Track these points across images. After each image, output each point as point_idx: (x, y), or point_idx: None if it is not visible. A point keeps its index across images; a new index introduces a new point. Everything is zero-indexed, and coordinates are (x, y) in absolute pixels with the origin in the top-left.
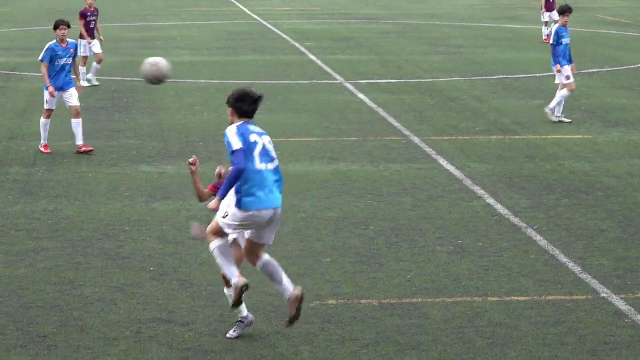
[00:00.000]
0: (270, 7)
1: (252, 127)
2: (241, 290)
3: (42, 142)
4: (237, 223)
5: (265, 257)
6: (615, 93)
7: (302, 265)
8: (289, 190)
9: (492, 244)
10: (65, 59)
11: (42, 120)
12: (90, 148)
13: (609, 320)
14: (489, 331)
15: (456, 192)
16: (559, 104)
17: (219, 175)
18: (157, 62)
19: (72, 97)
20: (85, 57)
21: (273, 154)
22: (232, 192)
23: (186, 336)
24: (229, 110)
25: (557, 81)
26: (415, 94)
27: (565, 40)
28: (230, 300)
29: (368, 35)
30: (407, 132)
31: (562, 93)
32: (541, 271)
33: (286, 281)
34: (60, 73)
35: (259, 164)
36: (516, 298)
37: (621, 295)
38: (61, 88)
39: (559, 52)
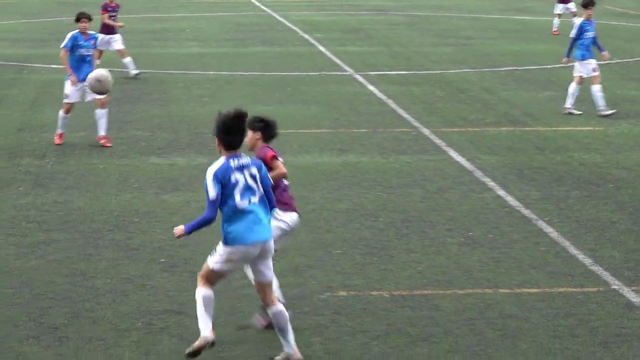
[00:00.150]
0: None
1: (234, 163)
2: (205, 345)
3: (59, 131)
4: (225, 259)
5: (278, 307)
6: (625, 85)
7: (312, 256)
8: (298, 182)
9: (503, 236)
10: (86, 49)
11: (61, 114)
12: (109, 144)
13: (620, 312)
14: (500, 323)
15: (466, 184)
16: (571, 96)
17: None
18: (99, 78)
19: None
20: (100, 52)
21: (256, 185)
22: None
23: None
24: (216, 140)
25: (575, 74)
26: (425, 86)
27: (589, 34)
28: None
29: (377, 26)
30: (417, 124)
31: (573, 86)
32: (552, 263)
33: (291, 338)
34: (81, 64)
35: (240, 202)
36: (527, 290)
37: (632, 287)
38: (84, 80)
39: (580, 45)
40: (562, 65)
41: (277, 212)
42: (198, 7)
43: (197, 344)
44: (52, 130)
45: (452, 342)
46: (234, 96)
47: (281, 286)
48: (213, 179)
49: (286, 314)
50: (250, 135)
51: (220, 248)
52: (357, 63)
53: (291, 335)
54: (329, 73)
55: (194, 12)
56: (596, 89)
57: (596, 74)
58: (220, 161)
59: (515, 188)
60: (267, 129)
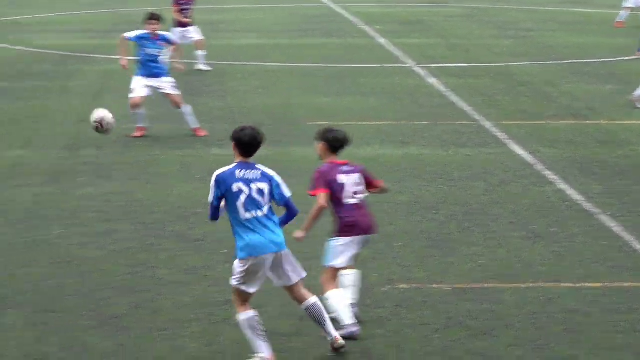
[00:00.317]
0: None
1: (240, 173)
2: None
3: (137, 125)
4: (241, 273)
5: (310, 301)
6: None
7: (373, 249)
8: None
9: (565, 230)
10: (153, 49)
11: (130, 111)
12: (202, 133)
13: None
14: (562, 317)
15: (528, 177)
16: None
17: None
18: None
19: (165, 86)
20: (176, 45)
21: (263, 199)
22: None
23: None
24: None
25: None
26: (485, 78)
27: None
28: None
29: (436, 18)
30: (477, 117)
31: None
32: (614, 258)
33: (330, 329)
34: (148, 62)
35: (244, 214)
36: (589, 285)
37: None
38: (152, 75)
39: None
40: (628, 58)
41: (335, 238)
42: None
43: None
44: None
45: (514, 336)
46: (292, 88)
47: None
48: (214, 182)
49: (319, 306)
50: (317, 146)
51: (235, 263)
52: (417, 55)
53: (329, 325)
54: (389, 65)
55: (253, 4)
56: None
57: None
58: (228, 167)
59: (576, 182)
60: (330, 141)
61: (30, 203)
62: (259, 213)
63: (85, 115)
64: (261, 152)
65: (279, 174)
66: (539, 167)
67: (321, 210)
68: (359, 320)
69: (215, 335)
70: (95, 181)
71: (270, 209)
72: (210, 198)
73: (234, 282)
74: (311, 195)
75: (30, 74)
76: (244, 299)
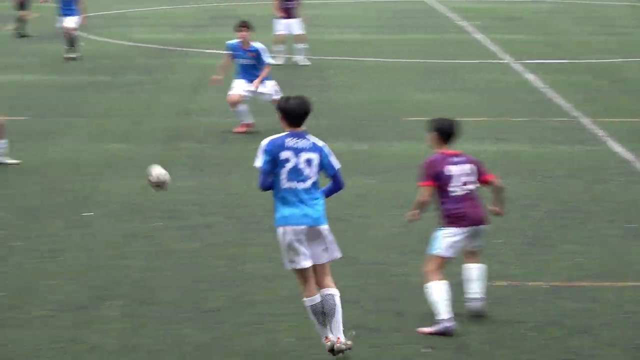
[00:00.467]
0: None
1: (291, 142)
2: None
3: (241, 121)
4: (283, 246)
5: (329, 291)
6: None
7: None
8: None
9: None
10: (244, 60)
11: (230, 109)
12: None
13: None
14: None
15: (626, 175)
16: None
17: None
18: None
19: (267, 91)
20: (281, 36)
21: (310, 170)
22: None
23: (354, 313)
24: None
25: None
26: (585, 75)
27: None
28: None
29: (534, 14)
30: (576, 113)
31: None
32: None
33: (335, 326)
34: (244, 72)
35: (286, 183)
36: None
37: None
38: (252, 81)
39: None
40: None
41: (442, 229)
42: None
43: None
44: (211, 115)
45: (612, 335)
46: (389, 83)
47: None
48: (265, 148)
49: (335, 300)
50: (428, 135)
51: (278, 236)
52: (515, 51)
53: (336, 323)
54: (487, 61)
55: None
56: None
57: None
58: (279, 135)
59: None
60: (441, 130)
61: (129, 196)
62: (300, 185)
63: (184, 108)
64: (362, 146)
65: (376, 169)
66: (638, 164)
67: (422, 204)
68: (482, 315)
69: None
70: (193, 174)
71: (314, 184)
72: (259, 163)
73: (285, 264)
74: (419, 186)
75: (130, 67)
76: (301, 277)
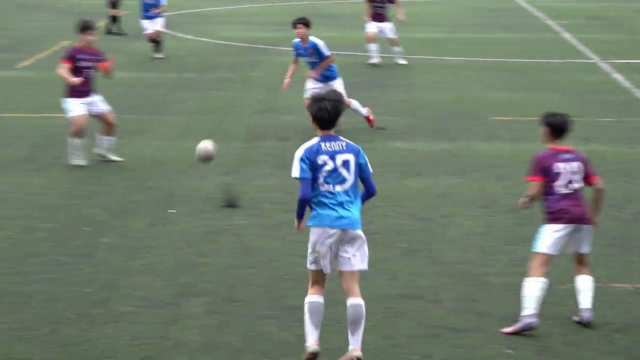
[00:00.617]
0: None
1: (326, 146)
2: (307, 357)
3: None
4: (311, 245)
5: (356, 300)
6: None
7: None
8: None
9: None
10: (306, 57)
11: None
12: (371, 124)
13: None
14: None
15: None
16: None
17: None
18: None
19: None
20: (371, 34)
21: (347, 172)
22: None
23: (436, 313)
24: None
25: None
26: None
27: None
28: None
29: (623, 14)
30: None
31: None
32: None
33: (356, 337)
34: (313, 67)
35: (324, 186)
36: None
37: None
38: (319, 80)
39: None
40: None
41: (546, 225)
42: None
43: (303, 355)
44: (294, 112)
45: None
46: (475, 82)
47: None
48: (299, 159)
49: (363, 310)
50: (540, 130)
51: (310, 235)
52: (602, 51)
53: (358, 334)
54: (573, 60)
55: None
56: None
57: None
58: (312, 141)
59: None
60: (553, 125)
61: (213, 193)
62: (338, 187)
63: (267, 106)
64: (445, 145)
65: (459, 169)
66: None
67: (532, 198)
68: (589, 326)
69: (391, 328)
70: (275, 172)
71: (353, 186)
72: (295, 173)
73: (307, 262)
74: (527, 181)
75: (215, 65)
76: (314, 279)
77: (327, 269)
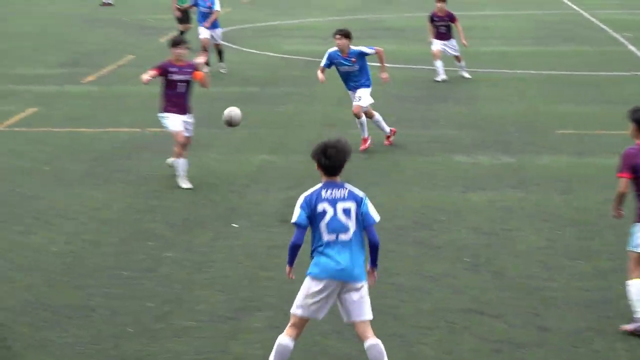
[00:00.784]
0: None
1: (326, 193)
2: None
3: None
4: (305, 293)
5: (371, 341)
6: None
7: (619, 260)
8: (605, 184)
9: None
10: (346, 66)
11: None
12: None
13: None
14: None
15: None
16: None
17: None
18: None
19: (357, 96)
20: (437, 52)
21: (349, 221)
22: None
23: (499, 328)
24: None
25: None
26: None
27: None
28: None
29: None
30: None
31: None
32: None
33: None
34: (346, 80)
35: (326, 235)
36: None
37: None
38: (351, 89)
39: None
40: None
41: (638, 224)
42: (505, 5)
43: None
44: (356, 126)
45: None
46: (540, 95)
47: (581, 289)
48: (302, 202)
49: (381, 348)
50: (630, 127)
51: (305, 282)
52: None
53: None
54: (639, 73)
55: (501, 10)
56: None
57: None
58: (314, 188)
59: None
60: (639, 122)
61: (276, 207)
62: (342, 236)
63: (329, 119)
64: (509, 159)
65: (523, 182)
66: None
67: (621, 195)
68: None
69: (455, 343)
70: None
71: (357, 235)
72: (294, 218)
73: (294, 306)
74: (618, 177)
75: (278, 79)
76: (295, 322)
77: (315, 316)
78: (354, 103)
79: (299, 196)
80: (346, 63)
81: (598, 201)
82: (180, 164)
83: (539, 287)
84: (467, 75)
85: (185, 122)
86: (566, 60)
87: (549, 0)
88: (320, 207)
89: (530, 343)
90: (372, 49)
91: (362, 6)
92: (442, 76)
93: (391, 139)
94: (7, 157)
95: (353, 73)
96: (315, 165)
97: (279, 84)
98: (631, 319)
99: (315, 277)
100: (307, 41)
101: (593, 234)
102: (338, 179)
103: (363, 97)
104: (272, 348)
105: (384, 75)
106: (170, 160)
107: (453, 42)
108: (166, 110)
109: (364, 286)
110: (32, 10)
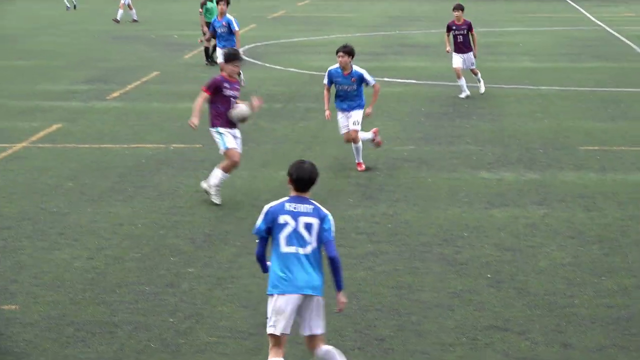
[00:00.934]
0: (615, 13)
1: (290, 206)
2: None
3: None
4: (272, 310)
5: (322, 349)
6: None
7: None
8: (630, 200)
9: None
10: (346, 85)
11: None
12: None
13: None
14: None
15: None
16: None
17: None
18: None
19: (352, 120)
20: (457, 69)
21: (309, 236)
22: None
23: (522, 345)
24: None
25: None
26: None
27: None
28: None
29: None
30: None
31: None
32: None
33: None
34: (343, 100)
35: (284, 247)
36: None
37: None
38: (345, 109)
39: None
40: None
41: None
42: (532, 22)
43: None
44: (384, 143)
45: None
46: (565, 111)
47: (605, 306)
48: (266, 213)
49: (336, 350)
50: None
51: (269, 301)
52: None
53: None
54: None
55: (528, 27)
56: None
57: None
58: (281, 200)
59: None
60: None
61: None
62: (301, 250)
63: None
64: (533, 175)
65: (547, 199)
66: None
67: None
68: None
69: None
70: (361, 202)
71: (316, 251)
72: (256, 226)
73: (268, 327)
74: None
75: (302, 95)
76: (274, 342)
77: (287, 330)
78: (351, 127)
79: None
80: (346, 82)
81: (622, 218)
82: (222, 178)
83: (563, 303)
84: (482, 89)
85: (236, 137)
86: (591, 77)
87: (574, 17)
88: (281, 218)
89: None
90: (374, 81)
91: (387, 22)
92: (465, 93)
93: (363, 166)
94: (32, 173)
95: (351, 93)
96: (288, 180)
97: (302, 100)
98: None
99: (280, 294)
100: (332, 57)
101: (617, 251)
102: (307, 195)
103: (359, 121)
104: None
105: (369, 110)
106: (205, 185)
107: (471, 55)
108: (219, 126)
109: (320, 300)
110: (59, 27)
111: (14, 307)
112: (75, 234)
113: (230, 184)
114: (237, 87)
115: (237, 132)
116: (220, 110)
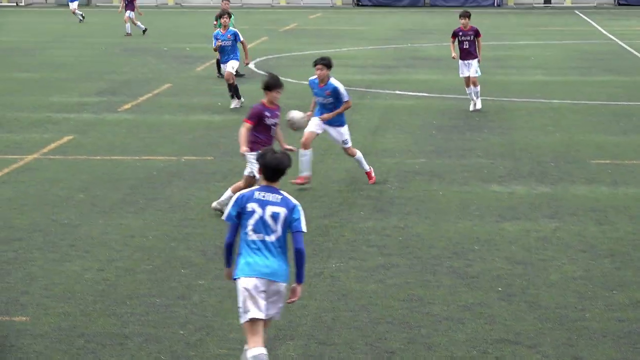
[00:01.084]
0: (627, 26)
1: (259, 195)
2: None
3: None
4: (242, 298)
5: (255, 351)
6: None
7: None
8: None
9: None
10: (320, 97)
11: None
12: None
13: None
14: None
15: None
16: None
17: None
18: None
19: (341, 140)
20: (465, 79)
21: (275, 225)
22: None
23: (533, 359)
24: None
25: None
26: None
27: None
28: None
29: None
30: None
31: None
32: None
33: None
34: (322, 111)
35: (251, 234)
36: None
37: None
38: (332, 125)
39: None
40: None
41: None
42: (543, 35)
43: None
44: (392, 155)
45: None
46: (576, 125)
47: (616, 320)
48: (235, 200)
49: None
50: None
51: (238, 286)
52: None
53: None
54: None
55: (539, 40)
56: None
57: None
58: (251, 188)
59: None
60: None
61: (311, 236)
62: (267, 237)
63: (365, 148)
64: (544, 189)
65: (558, 212)
66: None
67: None
68: None
69: None
70: (373, 215)
71: (281, 240)
72: (225, 213)
73: (240, 315)
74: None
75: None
76: (252, 329)
77: (262, 315)
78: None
79: (334, 224)
80: (321, 94)
81: (634, 231)
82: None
83: (574, 317)
84: (478, 104)
85: None
86: (603, 90)
87: (586, 30)
88: (249, 206)
89: None
90: (347, 97)
91: (399, 35)
92: (474, 105)
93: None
94: (43, 185)
95: (327, 105)
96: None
97: None
98: None
99: (246, 276)
100: (343, 70)
101: (628, 265)
102: (277, 185)
103: (348, 141)
104: None
105: (327, 115)
106: (216, 204)
107: (475, 62)
108: (255, 150)
109: (282, 287)
110: (69, 40)
111: (24, 318)
112: (86, 246)
113: None
114: (277, 113)
115: None
116: (259, 138)
